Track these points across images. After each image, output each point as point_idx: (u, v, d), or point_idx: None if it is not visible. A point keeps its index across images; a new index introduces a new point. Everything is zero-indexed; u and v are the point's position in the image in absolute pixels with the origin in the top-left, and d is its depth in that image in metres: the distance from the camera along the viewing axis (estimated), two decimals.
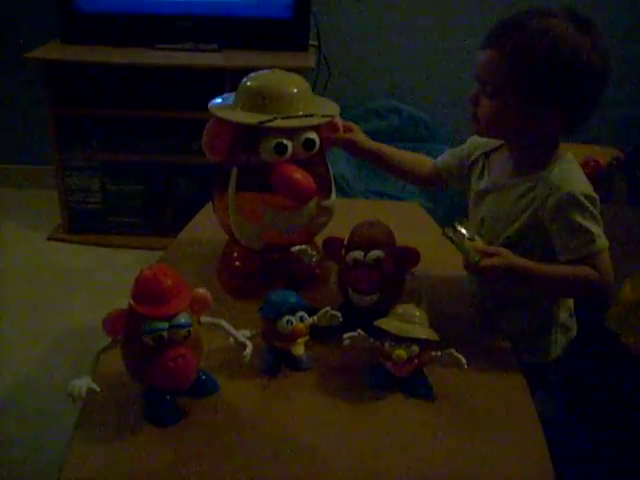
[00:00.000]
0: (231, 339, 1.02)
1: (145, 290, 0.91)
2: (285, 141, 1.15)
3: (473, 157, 1.36)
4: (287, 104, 1.18)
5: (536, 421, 1.03)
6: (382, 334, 1.04)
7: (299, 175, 1.15)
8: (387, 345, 1.03)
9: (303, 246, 1.19)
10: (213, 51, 2.83)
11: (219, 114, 1.22)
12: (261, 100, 1.18)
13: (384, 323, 1.04)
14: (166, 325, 0.90)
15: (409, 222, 1.42)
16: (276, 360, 1.10)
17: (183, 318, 0.92)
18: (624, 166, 2.93)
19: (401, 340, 1.02)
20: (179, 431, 0.98)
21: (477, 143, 1.36)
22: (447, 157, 1.42)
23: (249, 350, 1.00)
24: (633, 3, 3.08)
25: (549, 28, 1.12)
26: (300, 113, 1.19)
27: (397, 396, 1.06)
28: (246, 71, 2.65)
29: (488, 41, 1.17)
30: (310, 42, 2.95)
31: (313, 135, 1.19)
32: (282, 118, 1.15)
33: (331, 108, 1.28)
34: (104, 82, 2.84)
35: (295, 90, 1.21)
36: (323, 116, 1.22)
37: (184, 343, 0.93)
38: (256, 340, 1.08)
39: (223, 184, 1.23)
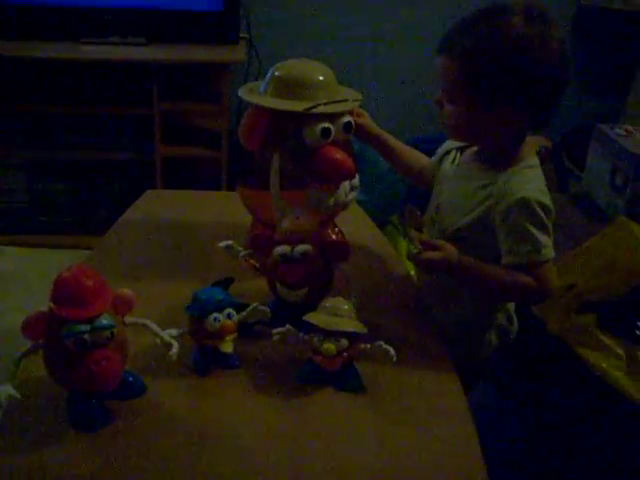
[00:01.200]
0: (158, 339, 1.00)
1: (64, 292, 0.89)
2: (329, 125, 1.22)
3: (442, 152, 1.37)
4: (319, 90, 1.25)
5: (467, 413, 1.03)
6: (311, 328, 1.04)
7: (342, 156, 1.23)
8: (316, 339, 1.03)
9: (229, 242, 1.19)
10: (141, 45, 2.78)
11: (260, 103, 1.26)
12: (295, 88, 1.24)
13: (312, 317, 1.03)
14: (88, 327, 0.88)
15: (342, 215, 1.41)
16: (205, 359, 1.08)
17: (105, 319, 0.89)
18: (553, 155, 2.99)
19: (330, 334, 1.01)
20: (107, 435, 0.95)
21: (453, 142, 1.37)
22: (433, 159, 1.41)
23: (175, 350, 0.98)
24: None
25: (498, 28, 1.11)
26: (336, 98, 1.26)
27: (328, 390, 1.06)
28: (174, 65, 2.61)
29: (440, 46, 1.18)
30: (241, 35, 2.93)
31: (350, 118, 1.27)
32: (324, 104, 1.22)
33: (354, 93, 1.34)
34: (28, 78, 2.76)
35: (324, 77, 1.28)
36: (354, 100, 1.30)
37: (108, 345, 0.91)
38: (185, 339, 1.07)
39: (258, 172, 1.30)
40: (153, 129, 2.75)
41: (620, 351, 1.47)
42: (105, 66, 2.76)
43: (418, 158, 1.46)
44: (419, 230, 1.14)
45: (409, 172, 1.47)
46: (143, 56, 2.73)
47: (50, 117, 2.81)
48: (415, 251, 1.11)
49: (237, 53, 2.77)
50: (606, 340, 1.49)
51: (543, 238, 1.13)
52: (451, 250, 1.13)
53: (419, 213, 1.26)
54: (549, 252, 1.14)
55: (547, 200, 1.14)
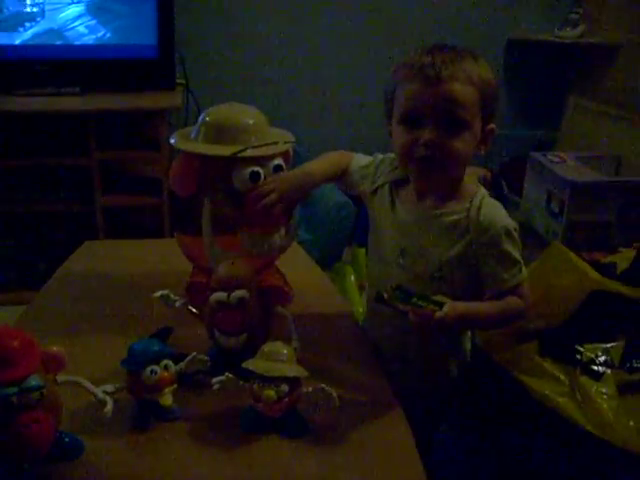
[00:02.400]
0: (93, 396, 0.97)
1: None
2: (258, 169, 1.23)
3: (377, 184, 1.31)
4: (249, 134, 1.26)
5: (415, 456, 1.01)
6: (251, 375, 1.02)
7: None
8: (256, 386, 1.01)
9: (165, 291, 1.17)
10: (75, 95, 2.76)
11: (189, 149, 1.26)
12: (225, 132, 1.26)
13: (251, 364, 1.01)
14: (15, 389, 0.84)
15: (283, 258, 1.41)
16: (144, 413, 1.05)
17: (34, 380, 0.86)
18: (493, 184, 3.05)
19: (269, 380, 1.00)
20: None
21: (381, 169, 1.32)
22: (355, 168, 1.35)
23: (109, 407, 0.95)
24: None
25: (474, 60, 1.17)
26: (266, 141, 1.27)
27: (272, 437, 1.04)
28: (110, 114, 2.59)
29: (444, 74, 1.12)
30: (177, 80, 2.93)
31: (280, 161, 1.28)
32: (252, 148, 1.23)
33: (285, 135, 1.34)
34: None
35: (255, 121, 1.29)
36: (285, 142, 1.30)
37: (38, 406, 0.87)
38: (123, 393, 1.04)
39: (191, 217, 1.29)
40: (92, 179, 2.72)
41: (562, 377, 1.48)
42: (40, 117, 2.72)
43: (337, 165, 1.36)
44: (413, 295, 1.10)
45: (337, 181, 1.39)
46: (78, 106, 2.71)
47: None
48: (438, 310, 1.07)
49: (173, 99, 2.77)
50: (548, 367, 1.50)
51: (520, 257, 1.19)
52: (454, 302, 1.11)
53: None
54: (524, 270, 1.20)
55: (514, 222, 1.21)
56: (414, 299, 1.08)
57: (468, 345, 1.37)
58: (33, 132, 2.75)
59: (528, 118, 3.44)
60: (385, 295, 1.09)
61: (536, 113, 3.43)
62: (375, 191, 1.31)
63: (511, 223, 1.18)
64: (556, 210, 2.25)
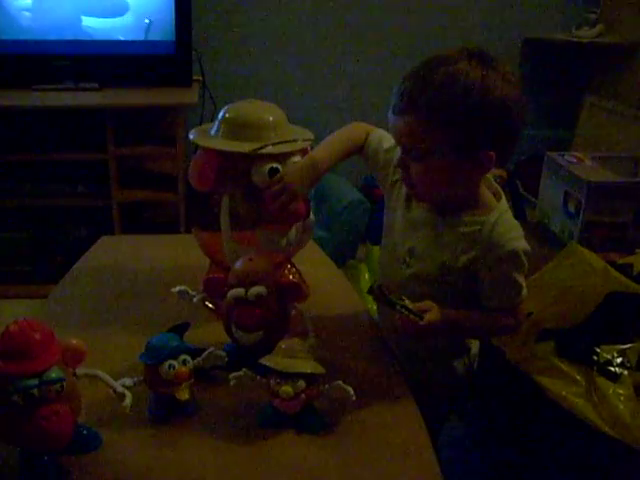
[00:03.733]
0: (111, 390, 0.98)
1: (11, 346, 0.86)
2: (277, 165, 1.23)
3: (396, 177, 1.28)
4: (269, 131, 1.27)
5: (430, 450, 1.02)
6: (268, 371, 1.03)
7: None
8: (273, 382, 1.01)
9: (183, 287, 1.17)
10: (94, 90, 2.77)
11: (209, 145, 1.27)
12: (245, 129, 1.26)
13: (268, 360, 1.02)
14: (36, 382, 0.85)
15: (299, 255, 1.41)
16: (161, 407, 1.06)
17: (54, 373, 0.87)
18: (508, 184, 3.04)
19: (287, 376, 1.00)
20: None
21: None
22: (378, 149, 1.31)
23: (128, 400, 0.96)
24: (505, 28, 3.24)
25: (456, 76, 1.08)
26: (286, 139, 1.27)
27: (288, 433, 1.04)
28: (127, 109, 2.61)
29: (400, 108, 1.13)
30: (194, 77, 2.94)
31: (299, 158, 1.28)
32: (271, 145, 1.23)
33: (305, 133, 1.35)
34: None
35: (274, 118, 1.30)
36: (304, 140, 1.30)
37: (58, 399, 0.88)
38: (141, 387, 1.05)
39: (209, 213, 1.30)
40: (109, 174, 2.73)
41: (579, 378, 1.47)
42: (58, 112, 2.74)
43: (348, 143, 1.33)
44: (401, 300, 1.10)
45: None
46: (96, 101, 2.73)
47: (4, 165, 2.78)
48: (417, 318, 1.08)
49: (190, 96, 2.78)
50: (564, 367, 1.49)
51: (524, 281, 1.19)
52: (437, 307, 1.13)
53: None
54: (525, 291, 1.20)
55: (527, 244, 1.18)
56: (396, 306, 1.09)
57: (475, 346, 1.37)
58: (51, 127, 2.76)
59: (545, 118, 3.43)
60: (375, 291, 1.10)
61: (553, 113, 3.41)
62: (394, 183, 1.30)
63: (522, 247, 1.16)
64: (572, 210, 2.23)
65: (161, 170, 2.92)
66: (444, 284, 1.21)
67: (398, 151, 1.20)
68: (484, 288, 1.20)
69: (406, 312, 1.08)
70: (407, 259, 1.24)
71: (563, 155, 2.41)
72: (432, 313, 1.11)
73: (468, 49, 1.12)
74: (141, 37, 2.85)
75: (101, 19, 2.85)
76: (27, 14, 2.80)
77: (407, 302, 1.10)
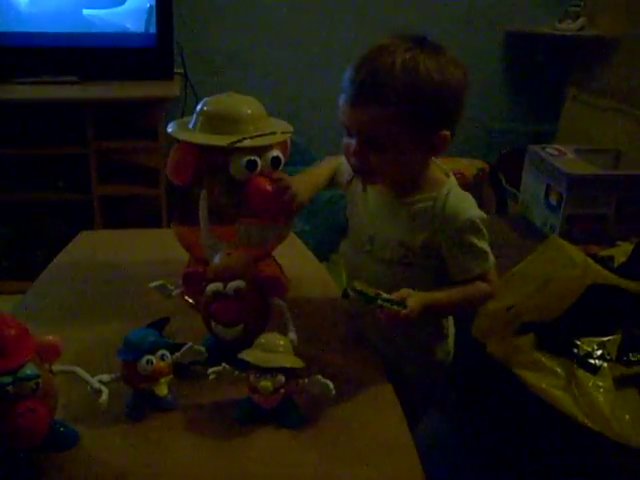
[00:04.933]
0: (88, 386, 0.97)
1: None
2: (255, 157, 1.23)
3: (352, 174, 1.30)
4: (247, 124, 1.26)
5: (411, 446, 1.02)
6: (247, 366, 1.02)
7: (272, 187, 1.23)
8: (252, 377, 1.01)
9: (161, 281, 1.17)
10: (73, 83, 2.75)
11: (187, 139, 1.26)
12: (223, 122, 1.25)
13: (247, 355, 1.01)
14: (10, 379, 0.84)
15: (280, 248, 1.41)
16: (140, 403, 1.05)
17: (29, 369, 0.86)
18: (490, 177, 3.05)
19: (266, 371, 0.99)
20: None
21: None
22: (341, 166, 1.36)
23: (105, 397, 0.95)
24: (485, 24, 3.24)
25: (415, 66, 1.10)
26: (264, 131, 1.27)
27: (268, 428, 1.03)
28: (108, 103, 2.59)
29: (362, 99, 1.13)
30: (176, 70, 2.92)
31: (278, 153, 1.28)
32: (249, 138, 1.23)
33: (284, 125, 1.34)
34: None
35: (253, 111, 1.29)
36: (283, 132, 1.30)
37: (33, 396, 0.87)
38: (119, 384, 1.04)
39: (188, 208, 1.29)
40: (89, 168, 2.71)
41: (559, 370, 1.48)
42: (38, 106, 2.71)
43: (330, 168, 1.38)
44: (378, 294, 1.09)
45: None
46: (76, 94, 2.70)
47: None
48: (401, 308, 1.07)
49: (172, 88, 2.76)
50: (544, 360, 1.50)
51: (487, 247, 1.20)
52: (416, 293, 1.12)
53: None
54: (492, 257, 1.21)
55: (482, 212, 1.20)
56: (377, 301, 1.08)
57: (451, 329, 1.37)
58: (30, 120, 2.74)
59: (527, 111, 3.44)
60: (350, 294, 1.09)
61: (535, 106, 3.42)
62: (351, 180, 1.33)
63: (477, 214, 1.18)
64: (554, 203, 2.24)
65: (142, 164, 2.90)
66: (409, 266, 1.22)
67: (348, 139, 1.19)
68: (450, 264, 1.20)
69: (387, 304, 1.07)
70: (368, 248, 1.25)
71: (545, 148, 2.42)
72: (412, 299, 1.10)
73: (412, 36, 1.15)
74: (121, 29, 2.83)
75: (82, 11, 2.82)
76: (4, 7, 2.77)
77: (385, 295, 1.09)
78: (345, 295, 1.10)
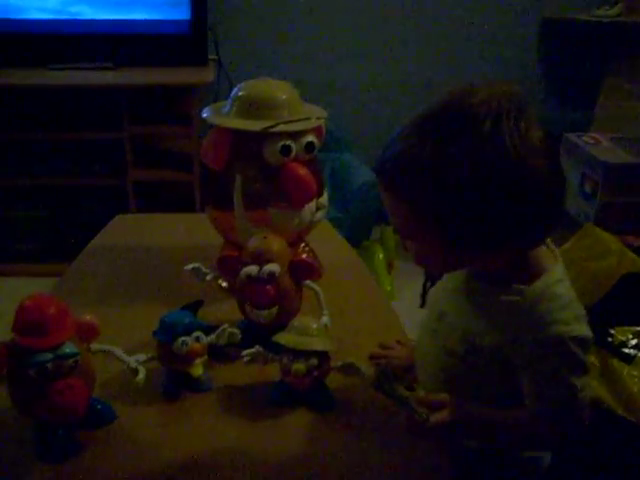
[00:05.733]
0: (125, 365, 0.99)
1: (26, 321, 0.87)
2: (289, 142, 1.23)
3: None
4: (282, 109, 1.26)
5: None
6: (281, 349, 1.03)
7: (304, 173, 1.23)
8: (286, 360, 1.02)
9: (196, 264, 1.18)
10: (108, 69, 2.77)
11: (222, 124, 1.27)
12: (257, 107, 1.26)
13: (281, 338, 1.02)
14: (50, 356, 0.86)
15: (313, 234, 1.42)
16: (174, 383, 1.07)
17: (68, 348, 0.88)
18: None
19: (299, 354, 1.00)
20: (75, 466, 0.93)
21: None
22: None
23: (142, 375, 0.97)
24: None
25: (443, 149, 0.80)
26: (299, 117, 1.27)
27: (300, 410, 1.05)
28: (143, 89, 2.60)
29: (383, 182, 0.89)
30: (210, 56, 2.93)
31: (313, 138, 1.27)
32: (284, 123, 1.23)
33: (318, 111, 1.34)
34: None
35: (288, 96, 1.29)
36: (317, 118, 1.29)
37: (72, 373, 0.89)
38: (155, 363, 1.05)
39: (223, 193, 1.30)
40: (124, 153, 2.74)
41: (593, 359, 1.47)
42: (74, 91, 2.75)
43: None
44: (410, 389, 0.91)
45: None
46: (111, 81, 2.73)
47: (19, 143, 2.79)
48: (423, 416, 0.87)
49: (205, 74, 2.77)
50: None
51: (580, 381, 0.89)
52: (459, 403, 0.91)
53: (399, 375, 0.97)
54: (586, 394, 0.90)
55: (584, 329, 0.89)
56: (398, 400, 0.90)
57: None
58: (67, 106, 2.77)
59: (563, 98, 3.39)
60: (375, 382, 0.93)
61: (571, 94, 3.37)
62: None
63: (575, 330, 0.87)
64: (589, 192, 2.22)
65: (176, 149, 2.93)
66: (472, 367, 0.95)
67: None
68: (524, 382, 0.91)
69: (410, 409, 0.89)
70: (435, 324, 1.01)
71: (580, 136, 2.39)
72: (442, 413, 0.89)
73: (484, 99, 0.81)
74: (156, 16, 2.84)
75: None
76: None
77: (416, 393, 0.91)
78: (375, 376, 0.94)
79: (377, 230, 2.93)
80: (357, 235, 2.74)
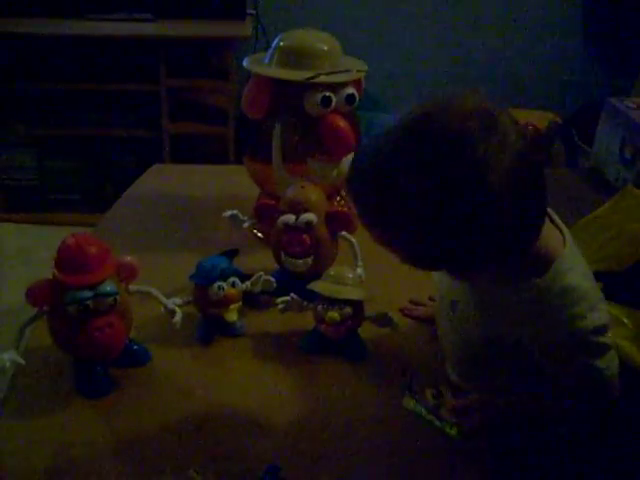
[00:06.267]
0: (162, 307, 1.01)
1: (68, 259, 0.89)
2: (330, 94, 1.22)
3: None
4: (323, 60, 1.26)
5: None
6: (315, 297, 1.04)
7: (344, 125, 1.23)
8: (320, 308, 1.03)
9: (234, 211, 1.19)
10: (147, 21, 2.76)
11: (263, 73, 1.27)
12: (299, 57, 1.25)
13: (316, 285, 1.03)
14: (90, 294, 0.88)
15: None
16: (209, 327, 1.08)
17: (108, 286, 0.90)
18: (562, 132, 2.97)
19: (333, 302, 1.01)
20: (111, 402, 0.96)
21: None
22: None
23: (178, 317, 0.98)
24: None
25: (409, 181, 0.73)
26: (339, 69, 1.27)
27: (332, 359, 1.06)
28: (181, 41, 2.60)
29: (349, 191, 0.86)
30: (248, 11, 2.91)
31: (353, 90, 1.27)
32: (325, 74, 1.23)
33: (359, 64, 1.34)
34: (35, 55, 2.75)
35: (329, 47, 1.28)
36: (358, 71, 1.30)
37: (111, 312, 0.91)
38: (190, 308, 1.07)
39: (262, 144, 1.30)
40: (160, 106, 2.74)
41: (627, 321, 1.45)
42: (111, 42, 2.74)
43: None
44: (437, 394, 0.93)
45: None
46: (150, 32, 2.72)
47: (58, 94, 2.81)
48: (453, 432, 0.89)
49: (243, 29, 2.75)
50: (612, 310, 1.47)
51: (604, 361, 0.87)
52: (489, 402, 0.90)
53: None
54: (613, 369, 0.88)
55: (600, 315, 0.85)
56: (424, 414, 0.92)
57: None
58: (104, 57, 2.77)
59: (604, 66, 3.32)
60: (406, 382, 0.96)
61: (613, 61, 3.30)
62: None
63: (593, 323, 0.84)
64: (629, 157, 2.17)
65: (212, 103, 2.92)
66: (494, 353, 0.91)
67: None
68: (548, 368, 0.89)
69: (438, 424, 0.90)
70: (451, 314, 0.97)
71: (623, 100, 2.34)
72: (475, 416, 0.90)
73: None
74: None
75: None
76: None
77: (444, 398, 0.92)
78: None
79: None
80: None
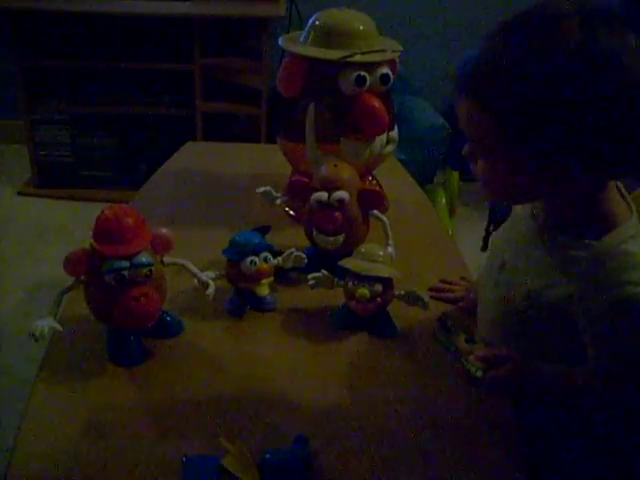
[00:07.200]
0: (195, 280, 1.02)
1: (105, 229, 0.91)
2: (364, 73, 1.23)
3: None
4: (358, 40, 1.26)
5: None
6: (346, 274, 1.05)
7: (378, 104, 1.23)
8: (350, 284, 1.04)
9: (267, 187, 1.20)
10: (183, 0, 2.78)
11: (298, 51, 1.28)
12: (334, 36, 1.26)
13: (347, 262, 1.04)
14: (127, 264, 0.90)
15: (381, 169, 1.42)
16: (241, 301, 1.10)
17: (144, 257, 0.91)
18: None
19: (364, 279, 1.02)
20: (144, 371, 0.98)
21: None
22: None
23: (212, 290, 1.00)
24: None
25: (537, 55, 0.74)
26: (374, 48, 1.27)
27: (361, 335, 1.07)
28: (215, 20, 2.62)
29: (463, 87, 0.82)
30: None
31: (387, 70, 1.27)
32: (360, 53, 1.23)
33: (394, 44, 1.35)
34: (71, 33, 2.78)
35: (365, 27, 1.29)
36: (394, 51, 1.30)
37: (146, 282, 0.93)
38: (222, 282, 1.09)
39: (296, 122, 1.31)
40: (194, 84, 2.76)
41: None
42: (147, 21, 2.76)
43: None
44: (471, 340, 0.93)
45: None
46: (185, 11, 2.73)
47: (93, 72, 2.84)
48: (478, 374, 0.86)
49: (277, 8, 2.76)
50: None
51: None
52: (515, 363, 0.88)
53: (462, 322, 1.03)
54: None
55: None
56: (451, 349, 0.93)
57: None
58: (140, 35, 2.79)
59: None
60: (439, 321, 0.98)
61: None
62: None
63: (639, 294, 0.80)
64: None
65: (245, 83, 2.93)
66: (531, 322, 0.91)
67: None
68: (588, 339, 0.86)
69: (463, 362, 0.88)
70: (497, 276, 0.97)
71: None
72: (500, 370, 0.87)
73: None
74: None
75: None
76: None
77: (476, 345, 0.92)
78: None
79: (441, 174, 2.91)
80: (421, 178, 2.72)
